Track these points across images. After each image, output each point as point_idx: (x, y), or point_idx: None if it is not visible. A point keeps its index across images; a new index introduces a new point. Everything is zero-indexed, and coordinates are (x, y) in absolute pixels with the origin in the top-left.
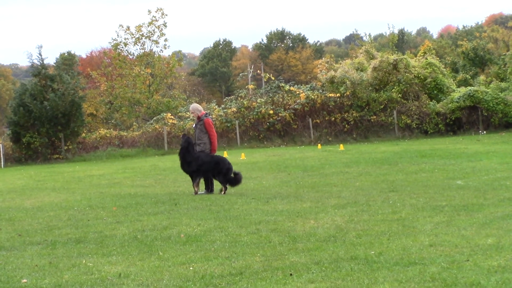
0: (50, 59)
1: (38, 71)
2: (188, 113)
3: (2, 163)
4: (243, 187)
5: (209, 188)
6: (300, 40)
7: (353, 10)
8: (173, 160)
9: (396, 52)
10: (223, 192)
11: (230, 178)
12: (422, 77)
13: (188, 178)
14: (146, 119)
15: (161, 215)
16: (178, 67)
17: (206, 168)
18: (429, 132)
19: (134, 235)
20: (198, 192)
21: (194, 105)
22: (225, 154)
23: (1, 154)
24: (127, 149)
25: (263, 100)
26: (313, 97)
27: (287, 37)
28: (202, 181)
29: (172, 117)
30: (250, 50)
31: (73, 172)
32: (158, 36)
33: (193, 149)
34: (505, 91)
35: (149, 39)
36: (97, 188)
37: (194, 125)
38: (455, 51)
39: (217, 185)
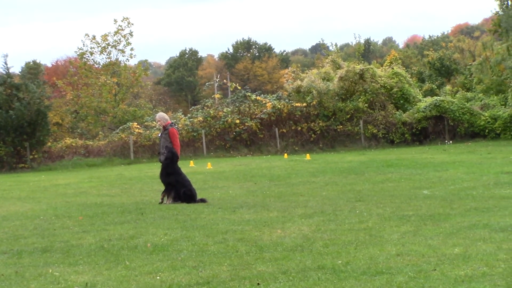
0: (16, 68)
1: (4, 80)
2: (154, 122)
3: None
4: (210, 196)
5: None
6: (266, 50)
7: (319, 19)
8: (139, 170)
9: (363, 62)
10: (165, 201)
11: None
12: (389, 87)
13: (154, 187)
14: (112, 128)
15: (128, 225)
16: (144, 76)
17: (180, 186)
18: (395, 142)
19: (101, 245)
20: (167, 202)
21: (160, 114)
22: (191, 164)
23: None
24: (93, 158)
25: (229, 109)
26: (279, 106)
27: (253, 46)
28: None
29: (138, 126)
30: (216, 59)
31: (38, 181)
32: (124, 45)
33: (177, 161)
34: (471, 101)
35: (115, 48)
36: (63, 198)
37: (159, 134)
38: (421, 61)
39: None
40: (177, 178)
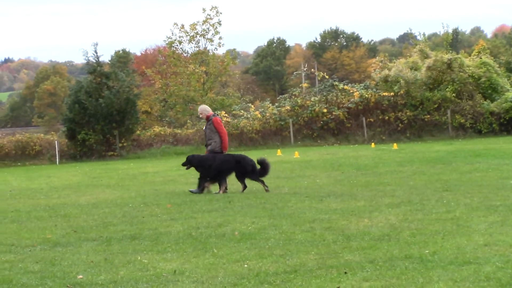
0: (105, 57)
1: (94, 68)
2: (242, 111)
3: (57, 159)
4: (297, 185)
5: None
6: (353, 39)
7: (407, 9)
8: None
9: (450, 51)
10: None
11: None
12: (476, 77)
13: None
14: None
15: (216, 213)
16: (232, 65)
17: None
18: (483, 132)
19: (189, 232)
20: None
21: (202, 106)
22: (278, 153)
23: (57, 151)
24: (181, 147)
25: (317, 98)
26: (367, 96)
27: (341, 35)
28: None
29: (226, 115)
30: (304, 48)
31: (127, 169)
32: (212, 34)
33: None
34: None
35: (203, 37)
36: (152, 185)
37: (204, 127)
38: (510, 50)
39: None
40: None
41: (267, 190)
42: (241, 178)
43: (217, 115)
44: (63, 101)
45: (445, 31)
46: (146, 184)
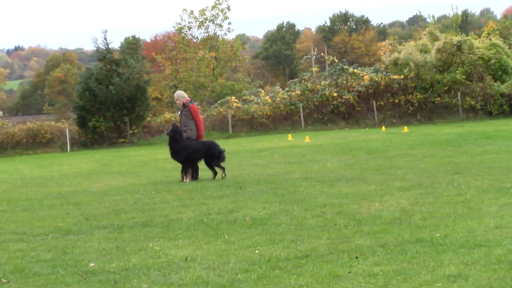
0: (115, 44)
1: (103, 55)
2: (252, 96)
3: (68, 147)
4: (308, 170)
5: (194, 176)
6: (363, 22)
7: None
8: (238, 144)
9: (460, 33)
10: (223, 175)
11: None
12: (486, 58)
13: (253, 161)
14: (211, 102)
15: (227, 199)
16: (242, 50)
17: (197, 156)
18: (493, 114)
19: (200, 219)
20: (186, 181)
21: (179, 92)
22: (289, 137)
23: (68, 139)
24: None
25: (327, 82)
26: (377, 79)
27: (350, 19)
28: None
29: (237, 100)
30: (314, 32)
31: (138, 156)
32: (221, 19)
33: (181, 137)
34: None
35: (212, 22)
36: (163, 172)
37: (179, 112)
38: None
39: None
40: (187, 151)
41: (223, 177)
42: (210, 164)
43: (194, 102)
44: (74, 89)
45: (454, 13)
46: (157, 170)
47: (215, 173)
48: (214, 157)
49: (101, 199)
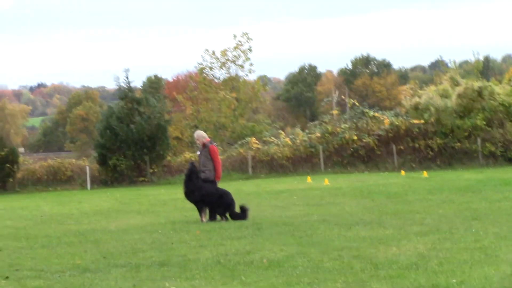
0: (137, 82)
1: (125, 94)
2: (272, 138)
3: (88, 185)
4: (326, 213)
5: (212, 216)
6: (384, 66)
7: (439, 36)
8: (257, 185)
9: (481, 79)
10: (204, 219)
11: (235, 213)
12: (507, 105)
13: (272, 203)
14: (231, 143)
15: (244, 240)
16: (263, 92)
17: (209, 199)
18: None
19: (217, 259)
20: (204, 221)
21: (199, 132)
22: (308, 179)
23: (88, 176)
24: None
25: (347, 125)
26: (397, 123)
27: (372, 62)
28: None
29: (257, 141)
30: (335, 75)
31: (158, 195)
32: (243, 60)
33: (196, 177)
34: None
35: (234, 63)
36: (182, 212)
37: (198, 152)
38: None
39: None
40: (200, 192)
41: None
42: (215, 210)
43: (214, 142)
44: (95, 127)
45: (476, 58)
46: (176, 210)
47: (226, 218)
48: (222, 206)
49: (119, 238)
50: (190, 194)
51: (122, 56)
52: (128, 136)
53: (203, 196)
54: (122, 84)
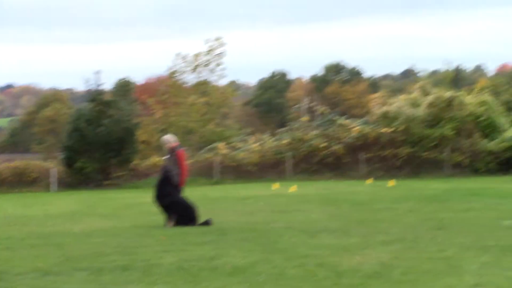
0: (107, 85)
1: (94, 96)
2: (241, 143)
3: (54, 187)
4: (292, 220)
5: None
6: (355, 74)
7: (411, 45)
8: (224, 190)
9: (452, 89)
10: (169, 225)
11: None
12: (476, 115)
13: (238, 208)
14: (199, 148)
15: (208, 245)
16: (233, 97)
17: (176, 208)
18: (480, 171)
19: (180, 265)
20: (169, 226)
21: (167, 137)
22: (275, 186)
23: (53, 178)
24: None
25: (316, 133)
26: (366, 131)
27: (343, 70)
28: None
29: (225, 147)
30: (306, 82)
31: (123, 198)
32: (215, 65)
33: (170, 183)
34: None
35: (206, 68)
36: (147, 216)
37: (166, 157)
38: (511, 90)
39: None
40: (172, 199)
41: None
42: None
43: (182, 147)
44: (63, 129)
45: (447, 68)
46: (141, 214)
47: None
48: (186, 218)
49: (83, 241)
50: (161, 199)
51: (93, 58)
52: (95, 139)
53: (173, 203)
54: (92, 87)
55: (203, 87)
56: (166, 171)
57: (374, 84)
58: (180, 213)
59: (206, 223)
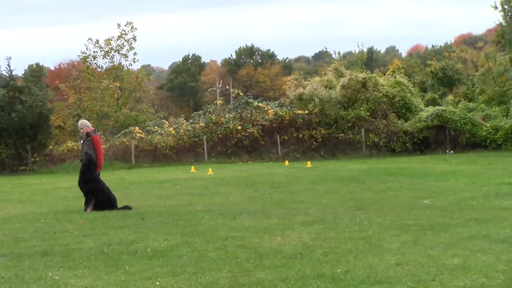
0: (19, 71)
1: (6, 82)
2: (156, 127)
3: None
4: (210, 202)
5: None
6: (269, 56)
7: (323, 27)
8: (140, 174)
9: (365, 70)
10: (88, 209)
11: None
12: (391, 96)
13: (155, 192)
14: (114, 132)
15: (128, 229)
16: (147, 81)
17: (99, 194)
18: (396, 151)
19: (101, 249)
20: (88, 210)
21: (83, 121)
22: (192, 169)
23: None
24: None
25: (231, 115)
26: (281, 113)
27: (256, 53)
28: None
29: (140, 131)
30: (219, 65)
31: (40, 184)
32: (127, 49)
33: (95, 168)
34: (473, 111)
35: (118, 52)
36: (64, 201)
37: (82, 141)
38: (424, 70)
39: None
40: (96, 185)
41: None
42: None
43: (97, 132)
44: None
45: (360, 50)
46: (58, 199)
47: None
48: (105, 205)
49: (0, 227)
50: (85, 184)
51: (3, 44)
52: (9, 125)
53: (96, 189)
54: (4, 72)
55: (116, 71)
56: (89, 156)
57: (288, 67)
58: (101, 198)
59: (127, 207)
